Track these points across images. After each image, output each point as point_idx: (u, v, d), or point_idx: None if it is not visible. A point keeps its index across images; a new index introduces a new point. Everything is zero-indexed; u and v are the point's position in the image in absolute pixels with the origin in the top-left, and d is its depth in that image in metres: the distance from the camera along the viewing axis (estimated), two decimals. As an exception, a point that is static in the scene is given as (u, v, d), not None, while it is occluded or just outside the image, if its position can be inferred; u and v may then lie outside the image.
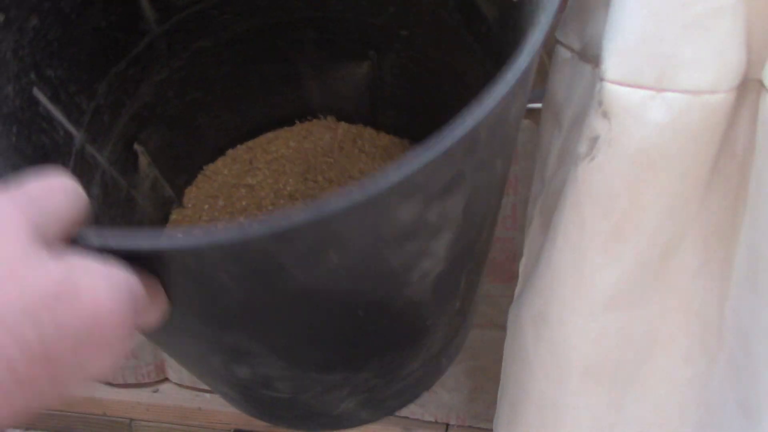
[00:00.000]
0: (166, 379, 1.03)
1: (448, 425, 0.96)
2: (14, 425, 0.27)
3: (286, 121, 0.71)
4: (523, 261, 0.54)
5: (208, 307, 0.39)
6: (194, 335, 0.43)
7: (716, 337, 0.43)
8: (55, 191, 0.29)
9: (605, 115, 0.38)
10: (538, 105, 0.51)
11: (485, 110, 0.32)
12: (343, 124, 0.71)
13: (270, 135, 0.71)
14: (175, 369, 1.00)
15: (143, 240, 0.30)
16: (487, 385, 0.90)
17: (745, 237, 0.40)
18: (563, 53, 0.47)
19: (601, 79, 0.38)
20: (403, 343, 0.49)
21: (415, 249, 0.40)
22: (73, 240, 0.30)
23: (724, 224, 0.41)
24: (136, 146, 0.62)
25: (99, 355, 0.29)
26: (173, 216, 0.68)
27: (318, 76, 0.68)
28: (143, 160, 0.63)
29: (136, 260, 0.30)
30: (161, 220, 0.67)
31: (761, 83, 0.37)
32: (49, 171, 0.30)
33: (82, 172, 0.54)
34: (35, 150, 0.48)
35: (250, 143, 0.71)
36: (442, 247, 0.41)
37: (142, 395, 1.18)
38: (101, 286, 0.28)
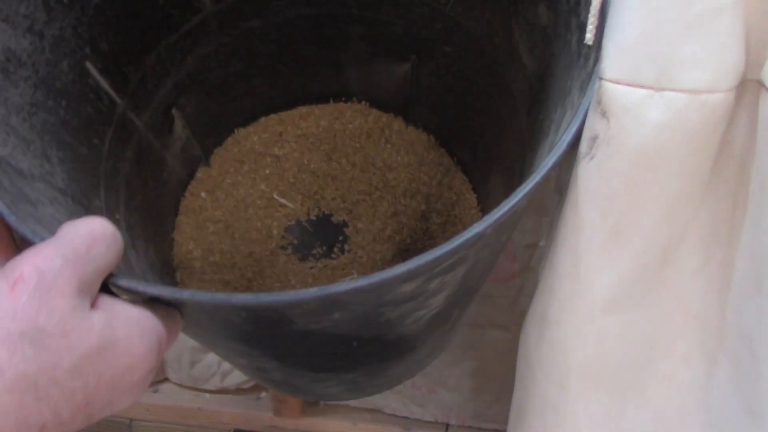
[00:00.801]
0: (166, 379, 1.03)
1: (448, 425, 0.96)
2: None
3: (322, 99, 0.72)
4: (542, 263, 0.54)
5: (217, 330, 0.43)
6: (197, 335, 0.46)
7: (717, 339, 0.43)
8: (98, 242, 0.31)
9: (604, 114, 0.38)
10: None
11: (491, 220, 0.35)
12: (375, 112, 0.73)
13: (303, 109, 0.73)
14: (175, 369, 1.00)
15: (168, 292, 0.33)
16: (487, 385, 0.90)
17: (747, 238, 0.40)
18: None
19: (600, 78, 0.38)
20: (392, 357, 0.52)
21: (413, 306, 0.43)
22: (109, 283, 0.33)
23: (723, 225, 0.41)
24: (174, 111, 0.63)
25: (128, 394, 0.32)
26: (199, 174, 0.69)
27: (359, 66, 0.69)
28: (178, 123, 0.64)
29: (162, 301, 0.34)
30: (187, 176, 0.69)
31: (760, 83, 0.37)
32: (91, 218, 0.32)
33: (121, 137, 0.56)
34: (80, 120, 0.50)
35: (282, 114, 0.72)
36: (438, 301, 0.44)
37: (142, 395, 1.18)
38: (135, 336, 0.31)
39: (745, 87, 0.38)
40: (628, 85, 0.37)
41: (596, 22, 0.43)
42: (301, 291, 0.33)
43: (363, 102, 0.73)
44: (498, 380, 0.89)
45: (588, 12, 0.39)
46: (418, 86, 0.68)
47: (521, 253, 0.78)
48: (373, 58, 0.68)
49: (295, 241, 0.69)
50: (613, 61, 0.37)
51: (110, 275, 0.33)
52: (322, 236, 0.69)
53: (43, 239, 0.31)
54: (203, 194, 0.69)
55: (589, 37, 0.43)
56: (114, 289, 0.34)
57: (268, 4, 0.63)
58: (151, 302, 0.34)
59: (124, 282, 0.33)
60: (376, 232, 0.68)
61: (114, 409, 0.32)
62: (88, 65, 0.51)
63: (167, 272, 0.64)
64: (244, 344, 0.46)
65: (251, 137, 0.72)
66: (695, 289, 0.43)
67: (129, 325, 0.32)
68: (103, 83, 0.53)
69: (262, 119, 0.72)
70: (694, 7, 0.36)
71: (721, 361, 0.43)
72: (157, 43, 0.58)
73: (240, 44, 0.64)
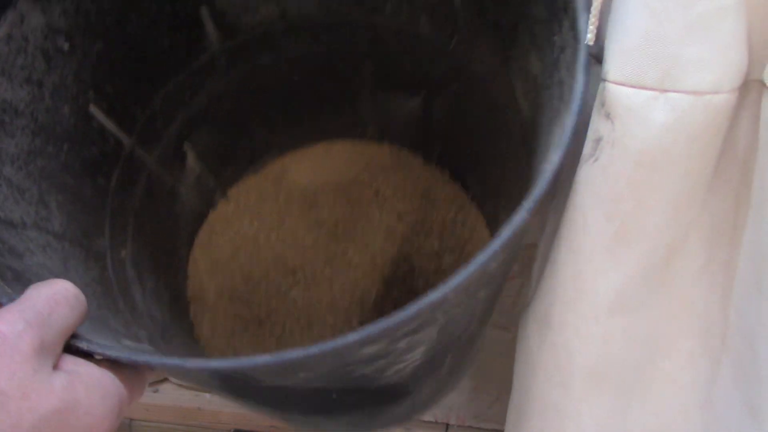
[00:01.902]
0: (166, 379, 1.03)
1: (448, 425, 0.96)
2: None
3: (337, 132, 0.72)
4: (536, 264, 0.54)
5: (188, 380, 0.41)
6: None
7: (720, 339, 0.43)
8: (60, 305, 0.33)
9: (608, 116, 0.38)
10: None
11: (450, 287, 0.33)
12: (389, 146, 0.72)
13: (319, 147, 0.72)
14: (174, 371, 1.00)
15: (123, 354, 0.34)
16: (487, 385, 0.90)
17: (749, 237, 0.40)
18: None
19: (604, 80, 0.38)
20: (384, 402, 0.50)
21: (386, 363, 0.41)
22: (70, 345, 0.34)
23: (726, 225, 0.41)
24: (186, 145, 0.62)
25: None
26: (215, 208, 0.68)
27: (372, 101, 0.69)
28: (191, 157, 0.63)
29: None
30: (202, 208, 0.67)
31: (762, 83, 0.37)
32: (55, 281, 0.34)
33: (128, 177, 0.55)
34: (83, 163, 0.50)
35: (300, 152, 0.71)
36: (417, 355, 0.43)
37: (143, 396, 1.17)
38: (96, 397, 0.32)
39: (748, 87, 0.38)
40: (632, 86, 0.37)
41: (596, 23, 0.43)
42: (254, 357, 0.33)
43: (377, 137, 0.72)
44: (498, 380, 0.89)
45: (573, 67, 0.39)
46: (430, 121, 0.68)
47: (521, 253, 0.78)
48: (384, 92, 0.68)
49: (310, 279, 0.69)
50: (617, 63, 0.37)
51: (72, 336, 0.34)
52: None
53: (11, 300, 0.32)
54: (219, 229, 0.68)
55: (590, 37, 0.43)
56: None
57: (276, 41, 0.62)
58: (115, 362, 0.34)
59: (83, 345, 0.34)
60: (386, 270, 0.68)
61: None
62: (92, 109, 0.50)
63: (178, 306, 0.63)
64: (226, 393, 0.45)
65: (270, 173, 0.71)
66: (699, 289, 0.43)
67: (90, 386, 0.32)
68: (109, 125, 0.52)
69: (280, 157, 0.71)
70: (697, 8, 0.36)
71: (723, 362, 0.43)
72: (165, 83, 0.57)
73: (251, 80, 0.63)
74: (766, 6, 0.37)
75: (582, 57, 0.38)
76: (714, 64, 0.36)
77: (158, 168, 0.59)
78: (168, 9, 0.55)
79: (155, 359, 0.35)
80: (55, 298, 0.33)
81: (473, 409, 0.94)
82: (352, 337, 0.33)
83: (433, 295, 0.33)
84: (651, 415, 0.46)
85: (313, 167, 0.72)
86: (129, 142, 0.55)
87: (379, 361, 0.40)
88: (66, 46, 0.48)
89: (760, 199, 0.38)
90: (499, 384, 0.89)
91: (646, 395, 0.46)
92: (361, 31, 0.63)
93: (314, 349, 0.33)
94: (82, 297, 0.34)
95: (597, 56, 0.45)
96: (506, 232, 0.34)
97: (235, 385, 0.42)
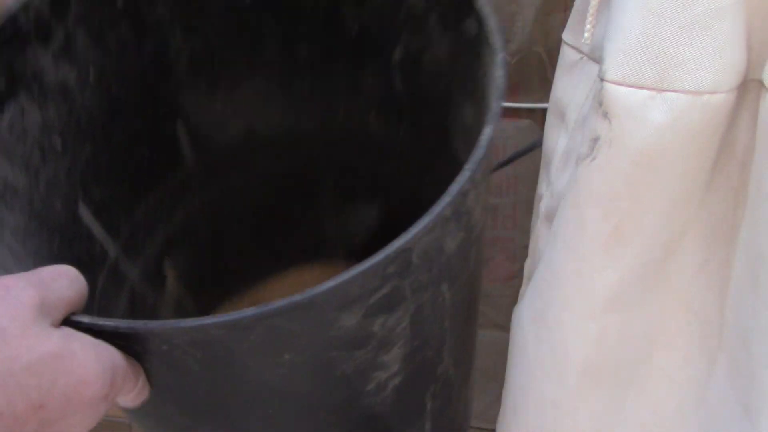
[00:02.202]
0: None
1: (448, 425, 0.96)
2: None
3: (307, 254, 0.74)
4: (528, 261, 0.54)
5: (182, 395, 0.44)
6: (173, 425, 0.48)
7: (716, 337, 0.43)
8: (62, 276, 0.36)
9: (606, 115, 0.38)
10: (544, 105, 0.51)
11: (408, 237, 0.38)
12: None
13: (289, 276, 0.73)
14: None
15: (123, 323, 0.37)
16: (487, 385, 0.90)
17: (745, 237, 0.40)
18: (571, 55, 0.47)
19: (602, 80, 0.38)
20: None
21: (366, 358, 0.44)
22: (70, 320, 0.36)
23: (724, 224, 0.41)
24: (166, 265, 0.65)
25: (80, 412, 0.34)
26: None
27: (337, 215, 0.72)
28: (171, 278, 0.66)
29: (121, 342, 0.37)
30: None
31: (761, 83, 0.37)
32: (60, 264, 0.37)
33: (112, 285, 0.58)
34: (72, 260, 0.53)
35: (270, 282, 0.73)
36: (394, 360, 0.45)
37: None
38: (90, 354, 0.34)
39: (747, 87, 0.38)
40: (630, 86, 0.37)
41: (593, 22, 0.43)
42: (241, 311, 0.35)
43: (345, 257, 0.73)
44: (498, 380, 0.89)
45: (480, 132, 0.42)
46: (392, 230, 0.70)
47: (521, 253, 0.78)
48: (346, 205, 0.70)
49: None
50: (615, 62, 0.37)
51: (71, 314, 0.36)
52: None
53: None
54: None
55: (587, 36, 0.43)
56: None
57: (245, 160, 0.67)
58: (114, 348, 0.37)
59: (84, 319, 0.36)
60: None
61: (66, 427, 0.34)
62: (81, 209, 0.53)
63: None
64: (212, 423, 0.46)
65: (245, 302, 0.72)
66: (696, 287, 0.43)
67: (85, 344, 0.34)
68: (96, 228, 0.55)
69: (255, 284, 0.72)
70: (694, 8, 0.36)
71: (719, 359, 0.44)
72: (146, 195, 0.60)
73: (223, 201, 0.67)
74: (765, 6, 0.37)
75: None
76: (712, 64, 0.36)
77: (141, 283, 0.61)
78: (149, 121, 0.61)
79: (154, 324, 0.37)
80: (57, 271, 0.36)
81: (473, 409, 0.94)
82: (327, 285, 0.36)
83: (394, 244, 0.38)
84: (647, 411, 0.46)
85: (287, 295, 0.73)
86: (114, 250, 0.57)
87: (358, 351, 0.43)
88: (59, 144, 0.53)
89: (757, 199, 0.38)
90: (498, 384, 0.89)
91: (641, 392, 0.46)
92: (319, 141, 0.69)
93: (296, 298, 0.36)
94: (82, 278, 0.37)
95: (590, 55, 0.45)
96: (453, 188, 0.39)
97: (219, 386, 0.43)
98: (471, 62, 0.52)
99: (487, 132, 0.41)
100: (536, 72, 0.79)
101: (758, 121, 0.38)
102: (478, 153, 0.40)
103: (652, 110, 0.37)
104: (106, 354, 0.35)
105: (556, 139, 0.48)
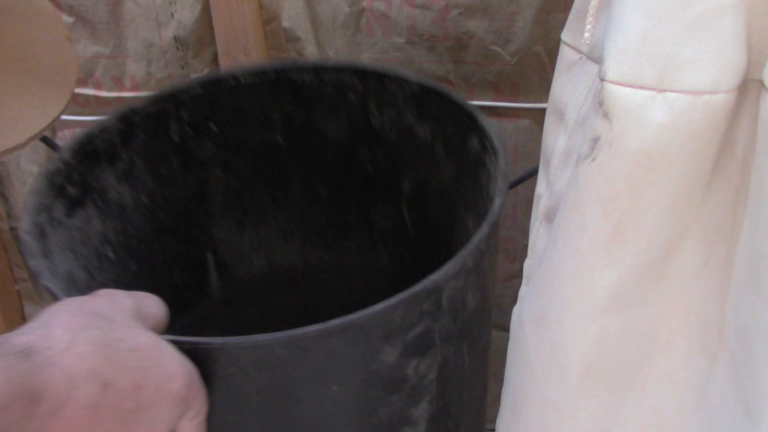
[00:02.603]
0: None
1: (448, 425, 0.96)
2: None
3: None
4: (527, 261, 0.54)
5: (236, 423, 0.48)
6: None
7: (716, 337, 0.43)
8: (149, 298, 0.43)
9: (606, 115, 0.38)
10: (544, 105, 0.51)
11: (440, 274, 0.45)
12: None
13: None
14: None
15: (202, 340, 0.42)
16: (488, 385, 0.90)
17: (746, 236, 0.40)
18: (570, 55, 0.47)
19: (602, 80, 0.38)
20: None
21: (399, 407, 0.50)
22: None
23: (725, 224, 0.41)
24: None
25: (165, 404, 0.39)
26: None
27: None
28: None
29: (193, 357, 0.42)
30: None
31: (762, 83, 0.37)
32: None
33: None
34: None
35: None
36: (421, 416, 0.51)
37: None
38: (177, 355, 0.40)
39: (747, 87, 0.38)
40: (630, 86, 0.37)
41: (594, 22, 0.43)
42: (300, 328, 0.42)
43: None
44: (498, 380, 0.89)
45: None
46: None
47: (521, 253, 0.78)
48: None
49: None
50: (615, 62, 0.37)
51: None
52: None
53: None
54: None
55: (587, 36, 0.43)
56: None
57: (263, 294, 0.74)
58: None
59: (167, 337, 0.42)
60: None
61: (152, 417, 0.38)
62: None
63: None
64: None
65: None
66: (696, 287, 0.43)
67: (172, 349, 0.40)
68: None
69: None
70: (695, 8, 0.36)
71: (720, 359, 0.44)
72: (175, 320, 0.65)
73: (241, 335, 0.71)
74: (765, 6, 0.37)
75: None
76: (712, 64, 0.36)
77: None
78: (185, 248, 0.70)
79: (227, 339, 0.43)
80: (146, 293, 0.43)
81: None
82: (377, 306, 0.43)
83: (428, 278, 0.44)
84: (647, 411, 0.46)
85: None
86: None
87: (394, 397, 0.49)
88: (112, 255, 0.60)
89: (757, 199, 0.38)
90: (499, 384, 0.89)
91: (642, 392, 0.46)
92: (333, 274, 0.76)
93: (350, 317, 0.43)
94: (164, 304, 0.44)
95: (589, 55, 0.45)
96: (473, 239, 0.46)
97: (273, 409, 0.48)
98: (474, 177, 0.59)
99: (497, 202, 0.49)
100: (536, 72, 0.79)
101: (758, 122, 0.38)
102: (492, 215, 0.48)
103: (652, 110, 0.37)
104: (187, 361, 0.40)
105: (555, 139, 0.48)
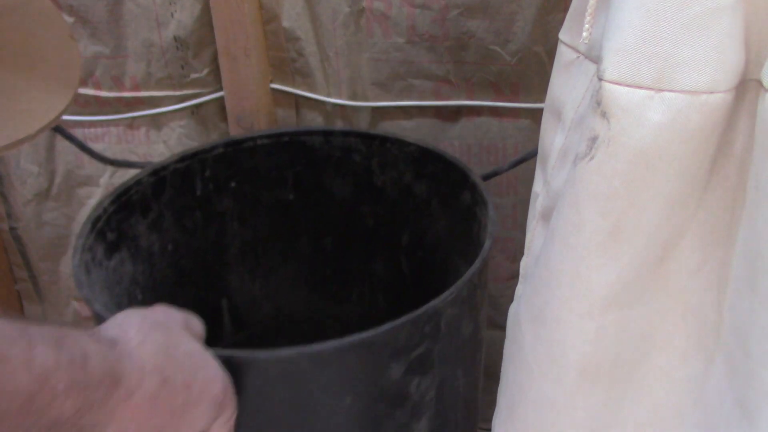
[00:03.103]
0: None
1: (448, 425, 0.96)
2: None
3: None
4: (524, 260, 0.54)
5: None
6: None
7: (714, 337, 0.43)
8: (193, 317, 0.49)
9: (604, 115, 0.38)
10: (543, 105, 0.51)
11: (439, 300, 0.52)
12: None
13: None
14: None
15: (238, 352, 0.49)
16: (487, 384, 0.90)
17: (743, 236, 0.40)
18: (567, 54, 0.47)
19: (600, 79, 0.38)
20: None
21: (402, 422, 0.56)
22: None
23: (722, 224, 0.41)
24: None
25: (206, 405, 0.44)
26: None
27: None
28: None
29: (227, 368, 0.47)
30: None
31: (760, 83, 0.37)
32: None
33: None
34: None
35: None
36: (422, 428, 0.58)
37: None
38: (217, 363, 0.46)
39: (746, 87, 0.38)
40: (628, 86, 0.37)
41: (592, 22, 0.43)
42: (320, 343, 0.49)
43: None
44: (498, 380, 0.89)
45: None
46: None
47: (521, 253, 0.78)
48: None
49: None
50: (613, 62, 0.38)
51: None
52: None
53: None
54: None
55: (585, 36, 0.43)
56: None
57: (271, 341, 0.78)
58: None
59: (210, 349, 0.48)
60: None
61: (194, 416, 0.43)
62: None
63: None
64: None
65: None
66: (694, 286, 0.43)
67: (214, 358, 0.46)
68: None
69: None
70: (693, 8, 0.36)
71: (717, 359, 0.44)
72: None
73: None
74: (763, 6, 0.37)
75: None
76: (710, 64, 0.36)
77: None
78: (204, 294, 0.78)
79: (259, 352, 0.50)
80: (190, 313, 0.49)
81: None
82: (385, 325, 0.51)
83: (429, 304, 0.53)
84: (644, 410, 0.46)
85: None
86: None
87: (398, 411, 0.55)
88: (140, 297, 0.68)
89: (755, 198, 0.38)
90: (497, 383, 0.89)
91: (639, 391, 0.46)
92: (335, 323, 0.85)
93: (364, 333, 0.50)
94: (203, 325, 0.50)
95: (587, 54, 0.45)
96: (468, 272, 0.56)
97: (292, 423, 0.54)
98: (466, 227, 0.68)
99: (487, 244, 0.58)
100: (536, 72, 0.79)
101: (756, 121, 0.38)
102: (484, 253, 0.57)
103: (650, 110, 0.37)
104: (224, 371, 0.46)
105: (553, 138, 0.48)
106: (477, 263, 0.56)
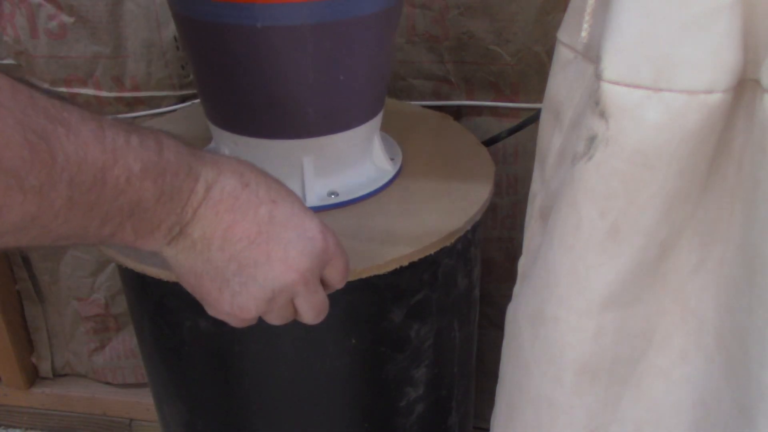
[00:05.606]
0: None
1: (448, 425, 0.96)
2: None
3: None
4: (522, 260, 0.54)
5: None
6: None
7: (712, 336, 0.43)
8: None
9: (602, 114, 0.38)
10: (540, 105, 0.51)
11: (436, 249, 0.57)
12: None
13: None
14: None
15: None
16: (487, 384, 0.90)
17: (741, 236, 0.40)
18: (565, 53, 0.47)
19: (599, 79, 0.38)
20: None
21: (403, 366, 0.60)
22: None
23: (721, 223, 0.41)
24: None
25: (292, 234, 0.42)
26: None
27: None
28: None
29: None
30: None
31: (758, 83, 0.37)
32: None
33: None
34: None
35: None
36: (420, 380, 0.62)
37: (142, 395, 1.18)
38: (317, 221, 0.44)
39: (744, 87, 0.38)
40: (627, 85, 0.37)
41: (591, 22, 0.43)
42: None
43: None
44: (497, 379, 0.89)
45: None
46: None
47: (521, 253, 0.78)
48: None
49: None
50: (612, 61, 0.38)
51: None
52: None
53: None
54: None
55: (584, 35, 0.43)
56: None
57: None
58: None
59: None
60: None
61: (285, 241, 0.42)
62: None
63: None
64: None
65: None
66: (693, 285, 0.43)
67: (317, 218, 0.45)
68: None
69: None
70: (692, 8, 0.36)
71: (715, 358, 0.44)
72: None
73: None
74: (762, 6, 0.37)
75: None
76: (708, 64, 0.36)
77: None
78: None
79: None
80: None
81: (473, 409, 0.94)
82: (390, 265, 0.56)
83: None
84: (643, 409, 0.46)
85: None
86: None
87: (399, 355, 0.59)
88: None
89: (753, 198, 0.38)
90: (495, 381, 0.89)
91: (638, 390, 0.46)
92: None
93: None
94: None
95: (584, 54, 0.45)
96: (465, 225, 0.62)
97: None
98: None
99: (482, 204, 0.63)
100: (536, 72, 0.79)
101: (754, 121, 0.38)
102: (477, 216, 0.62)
103: (648, 110, 0.37)
104: (325, 225, 0.44)
105: (551, 138, 0.48)
106: (475, 218, 0.60)
